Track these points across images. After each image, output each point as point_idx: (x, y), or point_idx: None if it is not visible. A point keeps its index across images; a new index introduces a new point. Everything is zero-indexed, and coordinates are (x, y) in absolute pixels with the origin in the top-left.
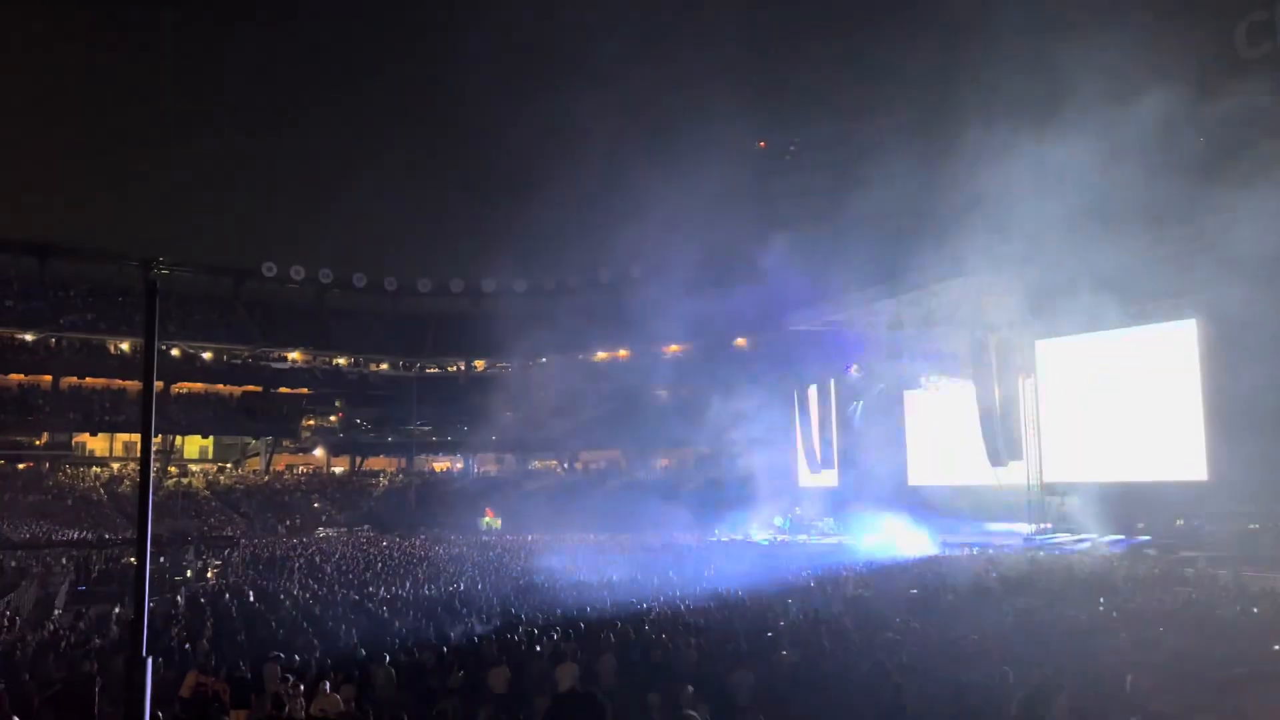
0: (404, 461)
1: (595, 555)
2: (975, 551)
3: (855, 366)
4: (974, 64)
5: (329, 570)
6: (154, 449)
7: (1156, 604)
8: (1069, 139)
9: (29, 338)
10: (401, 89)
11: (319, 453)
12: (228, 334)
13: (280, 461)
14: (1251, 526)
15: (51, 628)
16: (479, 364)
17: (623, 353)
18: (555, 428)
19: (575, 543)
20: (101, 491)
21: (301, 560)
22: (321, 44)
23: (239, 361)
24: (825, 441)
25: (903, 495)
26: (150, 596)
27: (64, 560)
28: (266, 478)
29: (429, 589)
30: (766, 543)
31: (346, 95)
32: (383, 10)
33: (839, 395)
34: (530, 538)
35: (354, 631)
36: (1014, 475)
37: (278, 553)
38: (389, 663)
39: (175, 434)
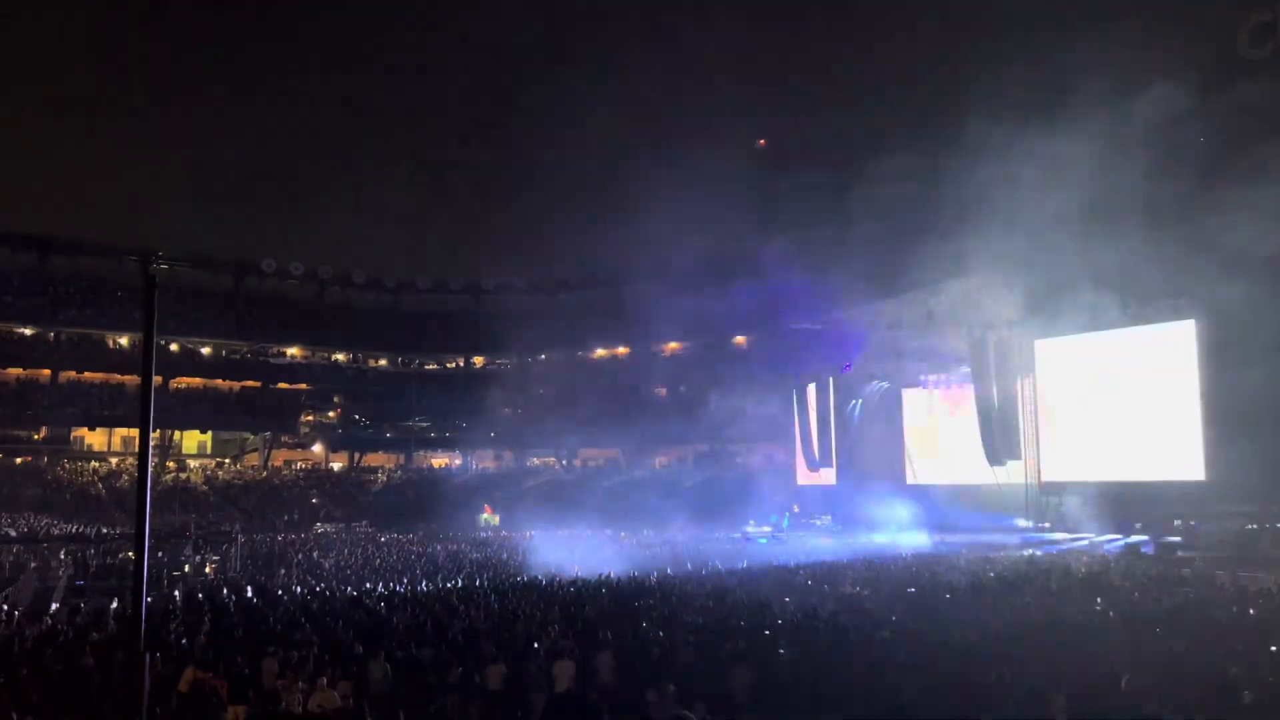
0: (402, 458)
1: (593, 552)
2: (973, 551)
3: (854, 365)
4: (975, 63)
5: (327, 566)
6: (152, 444)
7: (1154, 604)
8: (1070, 138)
9: (28, 332)
10: (400, 82)
11: (317, 448)
12: (226, 329)
13: (279, 457)
14: (1249, 527)
15: (49, 622)
16: (478, 360)
17: (622, 350)
18: (554, 425)
19: (573, 540)
20: (100, 486)
21: (300, 556)
22: (319, 35)
23: (238, 357)
24: (824, 440)
25: (901, 494)
26: (148, 591)
27: (62, 554)
28: (265, 473)
29: (426, 585)
30: (765, 541)
31: (346, 89)
32: (381, 1)
33: (838, 394)
34: (528, 534)
35: (351, 627)
36: (1012, 474)
37: (276, 548)
38: (386, 659)
39: (174, 429)
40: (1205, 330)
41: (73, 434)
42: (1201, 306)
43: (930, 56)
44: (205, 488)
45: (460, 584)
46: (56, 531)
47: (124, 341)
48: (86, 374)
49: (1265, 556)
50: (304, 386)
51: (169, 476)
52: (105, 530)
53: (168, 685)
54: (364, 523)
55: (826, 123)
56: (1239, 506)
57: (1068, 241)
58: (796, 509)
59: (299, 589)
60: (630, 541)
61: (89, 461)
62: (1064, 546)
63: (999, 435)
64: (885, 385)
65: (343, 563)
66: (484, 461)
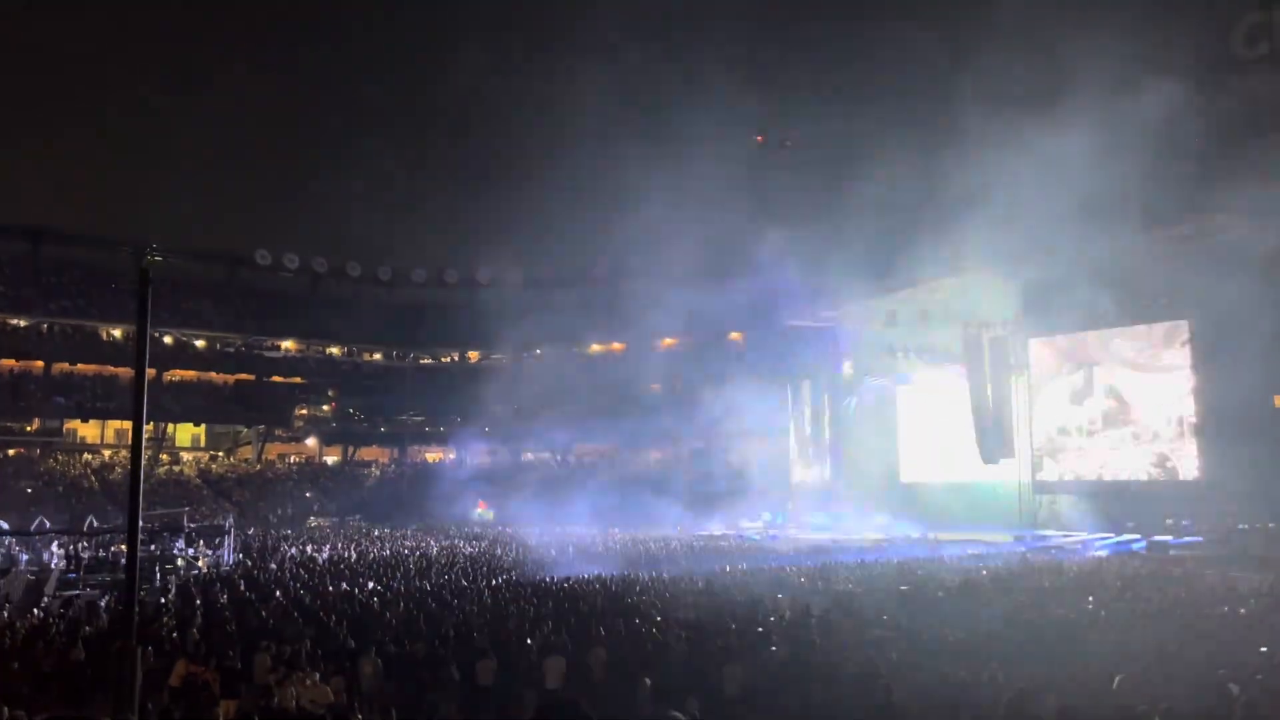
0: (396, 452)
1: (587, 548)
2: (966, 549)
3: (849, 363)
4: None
5: (320, 560)
6: (145, 436)
7: (1145, 603)
8: (1066, 136)
9: (21, 323)
10: (395, 74)
11: (311, 442)
12: (221, 322)
13: (272, 450)
14: (1241, 526)
15: (41, 614)
16: (473, 355)
17: (617, 345)
18: (548, 420)
19: (567, 535)
20: (92, 479)
21: (293, 550)
22: (312, 29)
23: (232, 349)
24: (818, 436)
25: (894, 491)
26: (140, 585)
27: (54, 547)
28: (258, 466)
29: (419, 580)
30: (758, 537)
31: (340, 82)
32: None
33: (832, 391)
34: (522, 530)
35: (344, 622)
36: (1005, 473)
37: (269, 542)
38: (378, 654)
39: (167, 422)
40: (1199, 329)
41: (65, 426)
42: (1195, 305)
43: (926, 53)
44: (198, 481)
45: (453, 579)
46: (49, 524)
47: (117, 333)
48: (79, 365)
49: (1257, 556)
50: (298, 379)
51: (162, 469)
52: (97, 523)
53: (159, 679)
54: (357, 517)
55: (823, 117)
56: (1231, 506)
57: (1063, 240)
58: (790, 505)
59: (292, 583)
60: (623, 538)
61: (81, 454)
62: (1056, 545)
63: (993, 433)
64: (880, 382)
65: (335, 557)
66: (478, 456)
